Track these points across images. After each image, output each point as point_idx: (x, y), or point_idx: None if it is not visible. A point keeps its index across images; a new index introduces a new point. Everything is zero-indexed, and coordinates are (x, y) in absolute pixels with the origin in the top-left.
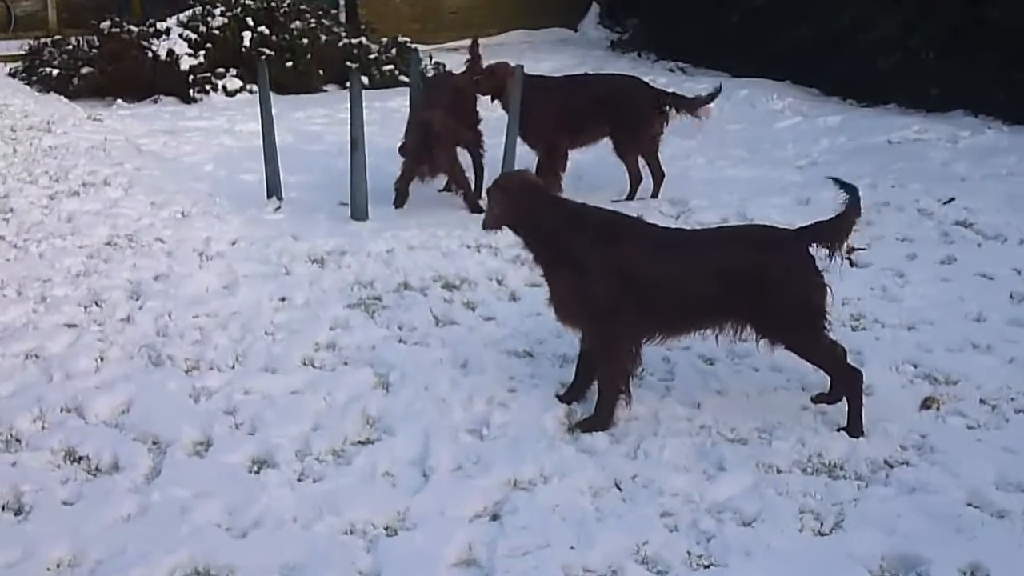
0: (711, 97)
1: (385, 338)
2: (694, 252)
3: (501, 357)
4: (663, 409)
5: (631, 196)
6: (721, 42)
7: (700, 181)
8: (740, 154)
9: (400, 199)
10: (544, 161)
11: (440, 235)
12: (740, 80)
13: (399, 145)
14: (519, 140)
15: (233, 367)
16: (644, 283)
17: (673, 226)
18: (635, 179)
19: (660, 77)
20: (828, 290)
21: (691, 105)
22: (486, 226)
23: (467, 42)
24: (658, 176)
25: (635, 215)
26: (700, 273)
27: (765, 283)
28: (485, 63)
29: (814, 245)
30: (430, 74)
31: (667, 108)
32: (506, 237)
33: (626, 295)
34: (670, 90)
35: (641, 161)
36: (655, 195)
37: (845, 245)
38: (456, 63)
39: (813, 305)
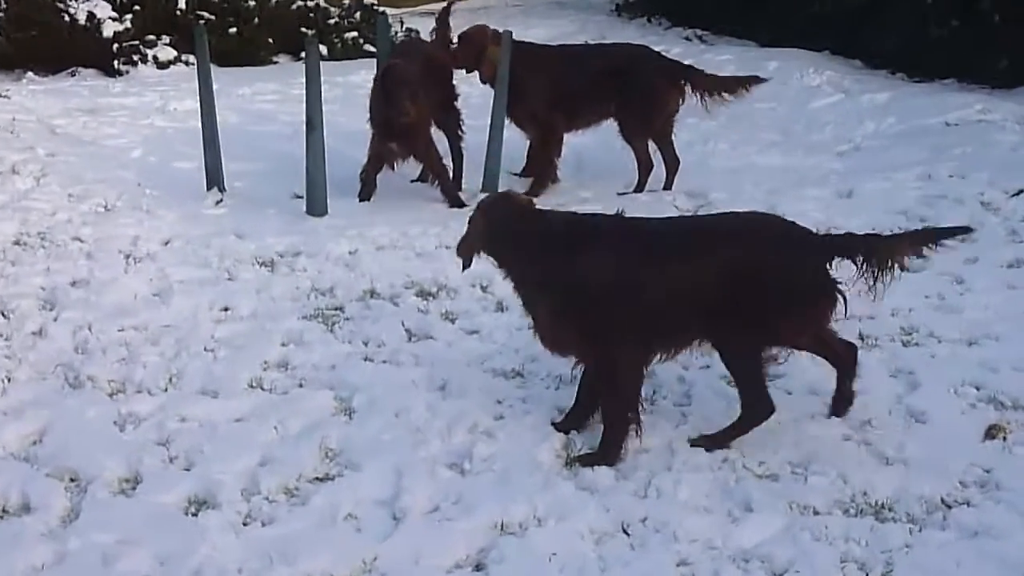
0: (749, 82)
1: (348, 355)
2: (692, 251)
3: (486, 378)
4: (678, 439)
5: (640, 187)
6: (747, 5)
7: (722, 170)
8: (770, 138)
9: (366, 191)
10: (537, 146)
11: (413, 233)
12: (770, 51)
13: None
14: (507, 121)
15: (166, 390)
16: (638, 293)
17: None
18: (645, 167)
19: (674, 47)
20: (838, 302)
21: (715, 84)
22: (460, 254)
23: (442, 6)
24: (672, 164)
25: (620, 211)
26: (701, 275)
27: (763, 284)
28: (459, 29)
29: (839, 259)
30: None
31: (683, 84)
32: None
33: (622, 309)
34: (686, 62)
35: (652, 146)
36: (668, 186)
37: (887, 270)
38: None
39: (789, 320)
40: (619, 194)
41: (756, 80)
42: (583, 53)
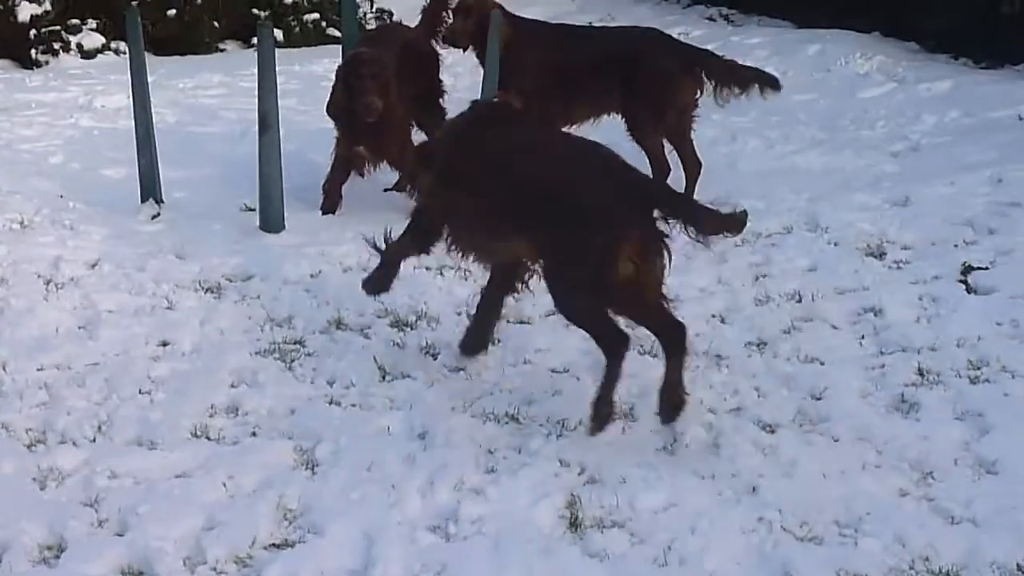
0: (765, 82)
1: (310, 398)
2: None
3: (475, 423)
4: (704, 494)
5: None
6: None
7: (754, 173)
8: (811, 135)
9: (330, 202)
10: None
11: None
12: (809, 32)
13: (327, 103)
14: None
15: (94, 440)
16: None
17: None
18: (660, 169)
19: (695, 29)
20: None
21: (735, 76)
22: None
23: None
24: (692, 166)
25: None
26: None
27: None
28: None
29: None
30: (372, 27)
31: (699, 72)
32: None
33: None
34: (706, 47)
35: (668, 146)
36: (688, 192)
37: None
38: (409, 10)
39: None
40: None
41: (773, 84)
42: (584, 34)
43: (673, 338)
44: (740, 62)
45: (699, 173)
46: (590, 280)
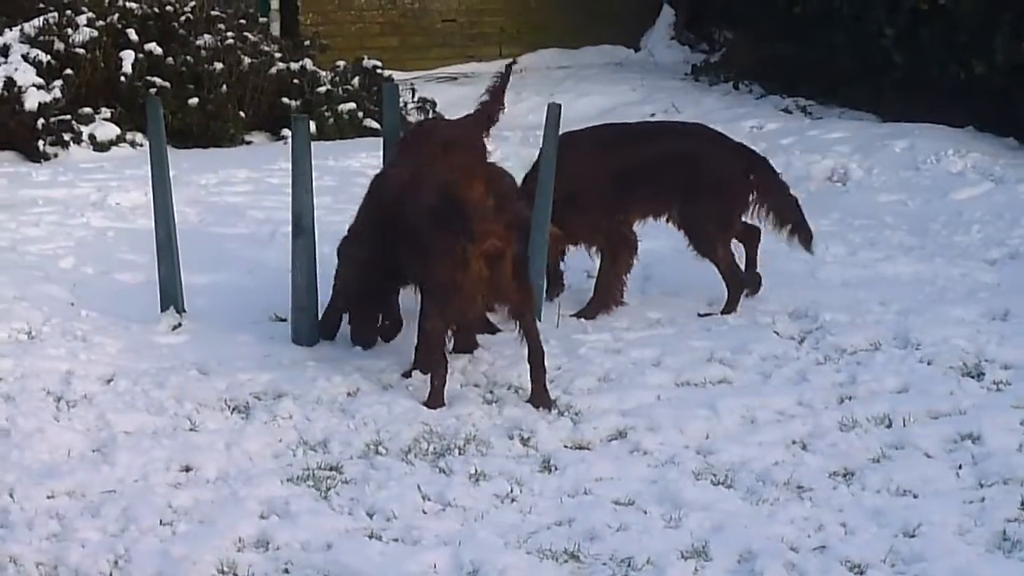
0: (806, 240)
1: (347, 531)
2: None
3: (530, 561)
4: None
5: (731, 306)
6: (866, 69)
7: (837, 283)
8: (899, 240)
9: (329, 326)
10: (605, 260)
11: None
12: (896, 126)
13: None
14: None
15: (110, 575)
16: None
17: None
18: (734, 282)
19: (770, 122)
20: None
21: (781, 206)
22: None
23: (469, 68)
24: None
25: None
26: None
27: None
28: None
29: None
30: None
31: (750, 176)
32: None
33: None
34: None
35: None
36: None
37: None
38: (453, 100)
39: None
40: (700, 315)
41: (807, 243)
42: (630, 133)
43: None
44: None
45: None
46: None
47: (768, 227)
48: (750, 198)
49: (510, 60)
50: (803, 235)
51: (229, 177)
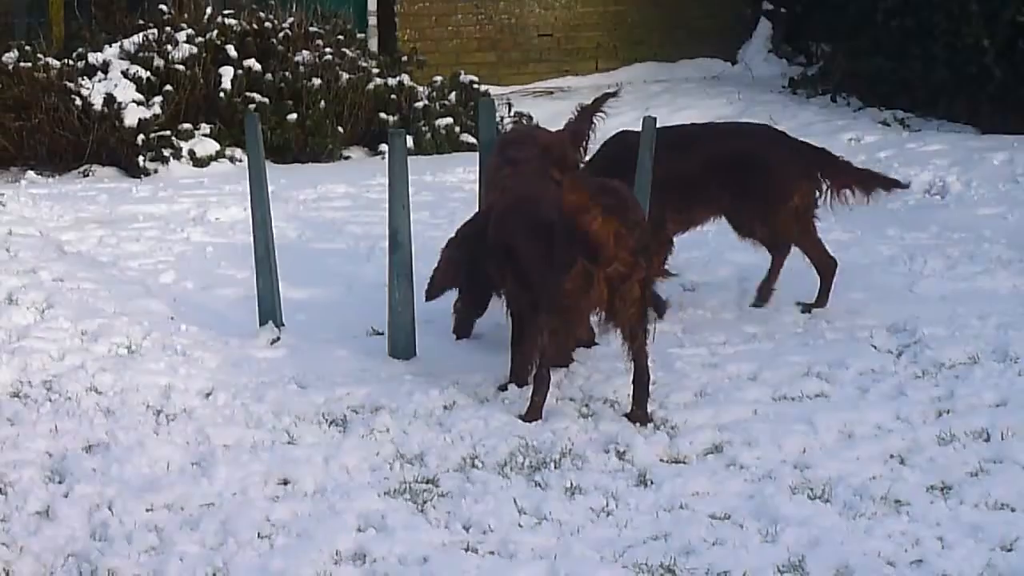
0: (890, 184)
1: (444, 544)
2: None
3: (626, 575)
4: None
5: (822, 301)
6: (965, 80)
7: (935, 297)
8: (998, 253)
9: (463, 325)
10: None
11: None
12: (996, 139)
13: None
14: None
15: None
16: None
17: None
18: (826, 267)
19: (867, 134)
20: None
21: (853, 178)
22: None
23: (566, 82)
24: (825, 265)
25: None
26: None
27: None
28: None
29: None
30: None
31: (817, 174)
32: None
33: None
34: (820, 146)
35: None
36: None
37: None
38: (550, 115)
39: None
40: (801, 305)
41: (897, 184)
42: (693, 134)
43: None
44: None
45: (834, 270)
46: None
47: (862, 201)
48: (815, 196)
49: (611, 89)
50: (889, 182)
51: (327, 192)
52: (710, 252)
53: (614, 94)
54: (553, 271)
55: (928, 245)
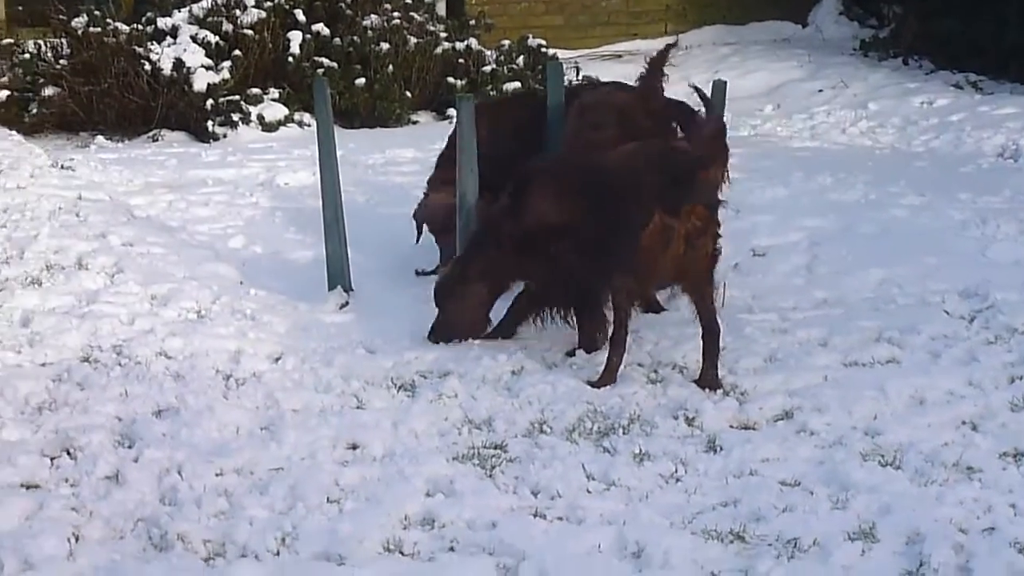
0: None
1: (512, 510)
2: None
3: (694, 541)
4: None
5: None
6: None
7: (1008, 262)
8: None
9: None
10: None
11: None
12: None
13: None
14: None
15: (278, 553)
16: None
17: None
18: None
19: (940, 97)
20: None
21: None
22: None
23: (633, 46)
24: None
25: None
26: None
27: None
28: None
29: None
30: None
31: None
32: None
33: None
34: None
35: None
36: None
37: None
38: (618, 78)
39: None
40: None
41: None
42: None
43: None
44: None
45: None
46: None
47: None
48: None
49: (671, 40)
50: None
51: (395, 157)
52: (780, 216)
53: (675, 44)
54: (631, 226)
55: (1001, 209)
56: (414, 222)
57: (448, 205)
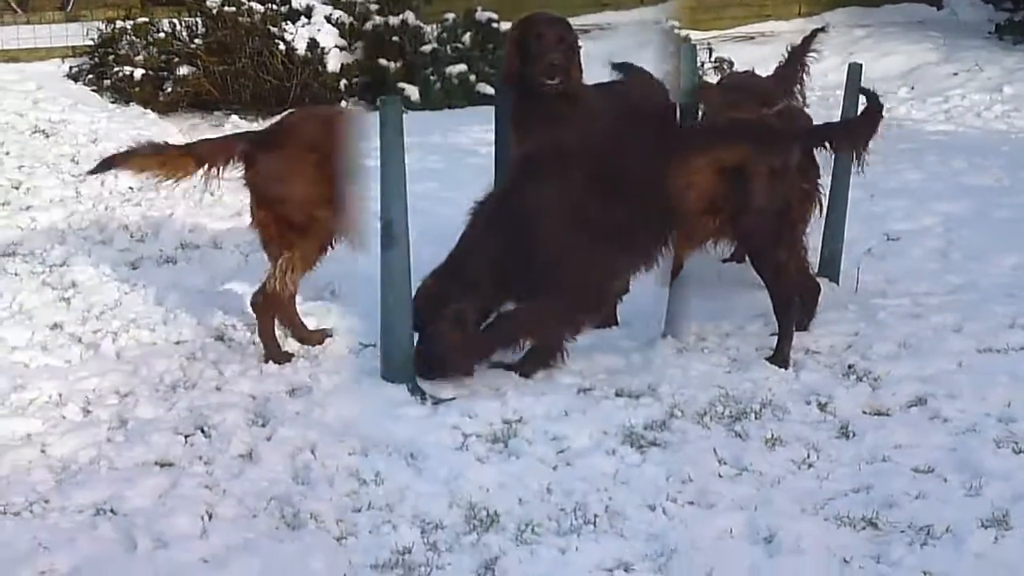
0: None
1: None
2: None
3: (827, 528)
4: None
5: None
6: None
7: None
8: None
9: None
10: None
11: (728, 330)
12: None
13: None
14: None
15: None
16: None
17: None
18: None
19: None
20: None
21: None
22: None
23: (768, 27)
24: None
25: None
26: None
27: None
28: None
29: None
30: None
31: None
32: (832, 338)
33: None
34: None
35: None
36: None
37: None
38: (752, 60)
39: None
40: None
41: None
42: None
43: None
44: None
45: None
46: None
47: None
48: None
49: (818, 27)
50: None
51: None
52: (914, 200)
53: (822, 29)
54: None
55: None
56: None
57: None
